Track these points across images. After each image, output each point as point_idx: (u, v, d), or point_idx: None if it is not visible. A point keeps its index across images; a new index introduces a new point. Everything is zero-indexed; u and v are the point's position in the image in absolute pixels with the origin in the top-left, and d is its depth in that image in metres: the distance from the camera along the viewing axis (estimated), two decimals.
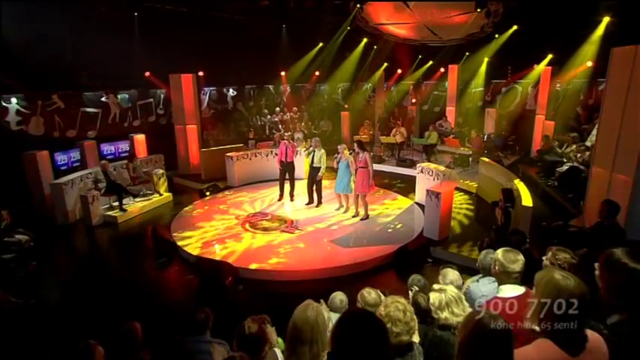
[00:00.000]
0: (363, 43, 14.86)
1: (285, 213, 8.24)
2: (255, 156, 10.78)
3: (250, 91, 14.93)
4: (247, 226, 7.59)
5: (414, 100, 15.91)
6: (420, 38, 12.83)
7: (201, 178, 10.78)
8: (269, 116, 14.33)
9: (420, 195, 8.71)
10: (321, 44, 14.49)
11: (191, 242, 6.97)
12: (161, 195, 9.39)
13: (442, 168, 8.55)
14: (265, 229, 7.43)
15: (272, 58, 13.77)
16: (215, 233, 7.38)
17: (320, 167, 8.17)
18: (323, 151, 8.19)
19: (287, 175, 8.82)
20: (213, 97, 14.01)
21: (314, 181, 8.38)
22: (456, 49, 13.79)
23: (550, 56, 12.35)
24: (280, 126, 14.06)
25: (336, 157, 7.76)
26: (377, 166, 11.42)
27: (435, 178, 8.35)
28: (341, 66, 15.30)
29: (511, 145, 13.02)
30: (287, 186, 8.95)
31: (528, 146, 12.60)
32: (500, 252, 2.63)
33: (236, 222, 7.84)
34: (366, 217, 7.80)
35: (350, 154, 7.74)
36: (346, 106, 15.88)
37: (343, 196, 8.03)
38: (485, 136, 12.78)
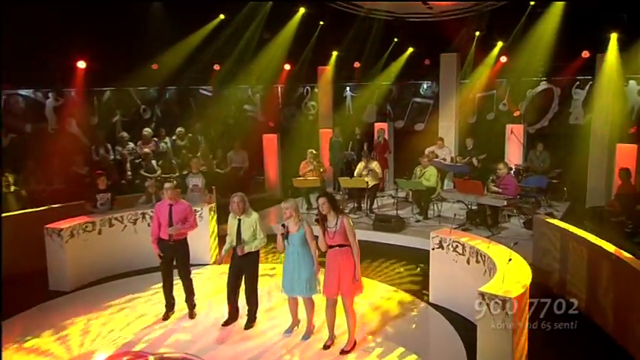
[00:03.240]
0: (298, 17, 14.92)
1: (181, 349, 7.22)
2: (111, 225, 9.94)
3: (93, 98, 14.91)
4: None
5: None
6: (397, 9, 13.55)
7: None
8: (131, 144, 14.08)
9: (438, 290, 8.39)
10: (221, 17, 14.58)
11: None
12: None
13: (487, 244, 7.77)
14: None
15: (135, 40, 13.89)
16: None
17: (256, 249, 7.63)
18: (255, 215, 7.60)
19: (175, 263, 8.02)
20: (16, 110, 13.88)
21: (241, 275, 7.63)
22: (455, 26, 14.28)
23: (614, 36, 12.64)
24: (155, 163, 13.50)
25: (280, 228, 7.12)
26: None
27: (472, 258, 7.65)
28: (259, 55, 15.61)
29: (555, 184, 13.18)
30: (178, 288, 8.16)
31: (583, 187, 13.00)
32: None
33: None
34: (353, 345, 6.94)
35: (315, 220, 7.21)
36: (271, 124, 16.26)
37: (306, 300, 7.28)
38: (513, 171, 12.74)
